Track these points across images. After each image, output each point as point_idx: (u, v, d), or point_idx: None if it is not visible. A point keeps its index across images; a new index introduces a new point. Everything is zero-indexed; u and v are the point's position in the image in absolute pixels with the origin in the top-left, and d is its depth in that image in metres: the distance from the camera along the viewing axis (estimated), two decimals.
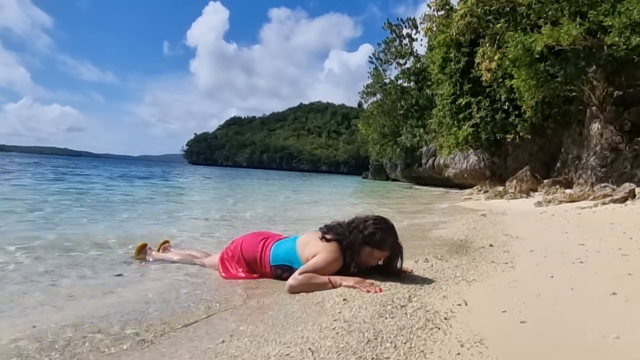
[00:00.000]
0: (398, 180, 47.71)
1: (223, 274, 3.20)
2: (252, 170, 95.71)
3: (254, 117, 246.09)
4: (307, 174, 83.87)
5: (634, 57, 10.71)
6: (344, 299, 2.42)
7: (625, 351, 1.67)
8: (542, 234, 5.39)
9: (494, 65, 15.49)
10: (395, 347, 1.73)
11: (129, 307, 2.42)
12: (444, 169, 30.41)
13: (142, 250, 3.75)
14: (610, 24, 10.42)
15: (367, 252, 2.85)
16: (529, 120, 17.14)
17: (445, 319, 2.08)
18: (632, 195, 8.56)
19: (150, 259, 3.70)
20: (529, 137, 18.24)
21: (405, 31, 37.30)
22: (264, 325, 2.04)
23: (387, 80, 38.62)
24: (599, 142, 13.33)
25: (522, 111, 16.65)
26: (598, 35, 11.35)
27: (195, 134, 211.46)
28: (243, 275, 3.11)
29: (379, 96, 39.89)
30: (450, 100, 21.76)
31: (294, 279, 2.65)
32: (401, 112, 35.43)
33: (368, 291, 2.53)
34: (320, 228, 3.01)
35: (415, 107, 33.55)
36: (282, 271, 3.03)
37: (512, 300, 2.39)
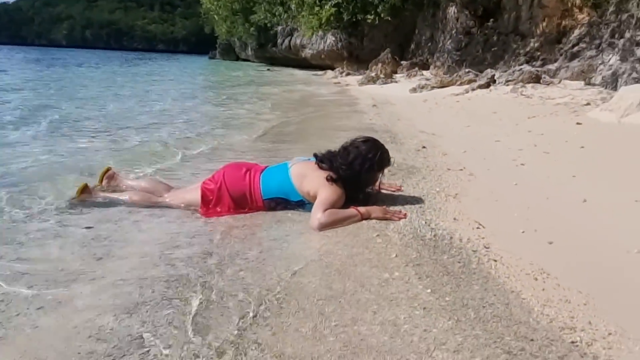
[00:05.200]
0: (249, 61, 46.15)
1: (202, 212, 2.92)
2: (76, 50, 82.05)
3: None
4: (142, 54, 75.28)
5: None
6: (377, 235, 2.45)
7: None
8: (450, 128, 5.91)
9: None
10: (485, 289, 1.86)
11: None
12: (300, 49, 30.22)
13: (84, 192, 3.14)
14: None
15: (374, 176, 2.87)
16: (389, 1, 17.54)
17: (485, 247, 2.27)
18: (492, 80, 9.71)
19: (99, 199, 3.13)
20: (389, 18, 18.78)
21: None
22: (351, 282, 1.97)
23: None
24: (454, 25, 14.40)
25: None
26: None
27: None
28: (228, 212, 2.88)
29: None
30: None
31: (324, 216, 2.55)
32: None
33: (400, 219, 2.63)
34: (316, 160, 2.87)
35: None
36: (277, 204, 2.90)
37: (514, 217, 2.67)
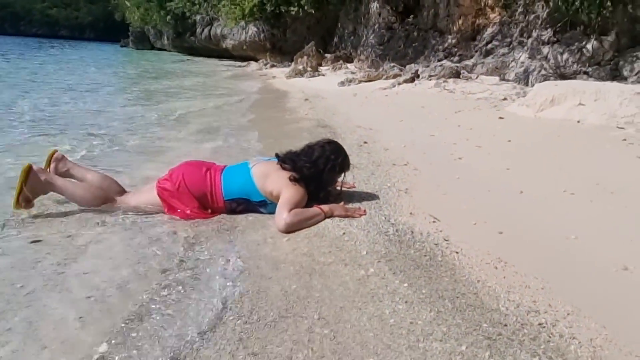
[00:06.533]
0: (166, 50, 44.09)
1: (166, 210, 2.85)
2: None
3: None
4: (44, 41, 68.60)
5: None
6: (343, 233, 2.54)
7: (584, 247, 2.33)
8: (385, 123, 6.12)
9: None
10: (455, 280, 2.02)
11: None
12: (221, 39, 29.43)
13: (26, 198, 2.84)
14: None
15: (335, 178, 2.96)
16: None
17: (445, 240, 2.44)
18: (416, 75, 10.18)
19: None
20: (313, 11, 18.89)
21: None
22: (329, 282, 2.03)
23: None
24: (377, 20, 14.84)
25: None
26: None
27: None
28: (197, 213, 2.83)
29: None
30: None
31: (289, 216, 2.57)
32: None
33: (360, 215, 2.73)
34: (279, 160, 2.90)
35: None
36: (238, 205, 2.87)
37: (463, 209, 2.89)
